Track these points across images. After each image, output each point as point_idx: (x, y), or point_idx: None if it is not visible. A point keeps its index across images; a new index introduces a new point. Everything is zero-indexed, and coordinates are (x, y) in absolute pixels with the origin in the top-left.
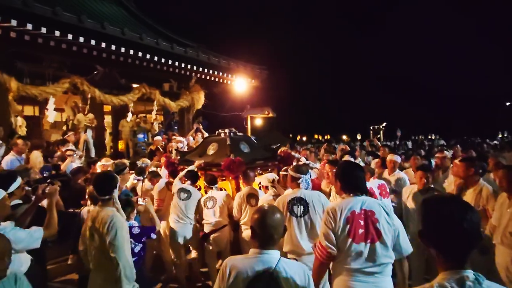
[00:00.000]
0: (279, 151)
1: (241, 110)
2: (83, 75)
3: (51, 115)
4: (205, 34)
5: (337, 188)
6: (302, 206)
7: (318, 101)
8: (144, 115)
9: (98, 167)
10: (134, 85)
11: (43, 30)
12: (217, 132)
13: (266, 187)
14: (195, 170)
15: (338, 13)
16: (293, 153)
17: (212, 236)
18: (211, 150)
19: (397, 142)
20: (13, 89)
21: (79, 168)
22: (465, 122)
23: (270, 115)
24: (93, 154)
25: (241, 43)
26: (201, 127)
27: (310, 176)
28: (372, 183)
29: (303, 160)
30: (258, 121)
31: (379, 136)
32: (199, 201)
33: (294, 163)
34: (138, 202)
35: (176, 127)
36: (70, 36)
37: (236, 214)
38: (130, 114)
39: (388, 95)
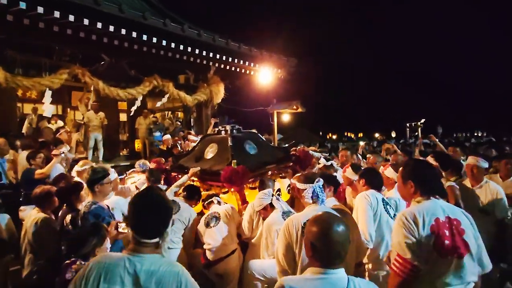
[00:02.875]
0: (297, 150)
1: (266, 104)
2: (86, 66)
3: (47, 110)
4: (225, 30)
5: (407, 191)
6: None
7: (346, 97)
8: (166, 112)
9: (74, 173)
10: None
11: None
12: (216, 129)
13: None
14: (193, 183)
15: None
16: (311, 151)
17: (217, 266)
18: (210, 153)
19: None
20: (0, 80)
21: (62, 175)
22: (481, 117)
23: (299, 110)
24: (101, 155)
25: (258, 36)
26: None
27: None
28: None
29: (322, 161)
30: (286, 117)
31: (416, 133)
32: (194, 220)
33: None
34: (118, 230)
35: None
36: (57, 14)
37: (246, 231)
38: (134, 107)
39: (421, 92)
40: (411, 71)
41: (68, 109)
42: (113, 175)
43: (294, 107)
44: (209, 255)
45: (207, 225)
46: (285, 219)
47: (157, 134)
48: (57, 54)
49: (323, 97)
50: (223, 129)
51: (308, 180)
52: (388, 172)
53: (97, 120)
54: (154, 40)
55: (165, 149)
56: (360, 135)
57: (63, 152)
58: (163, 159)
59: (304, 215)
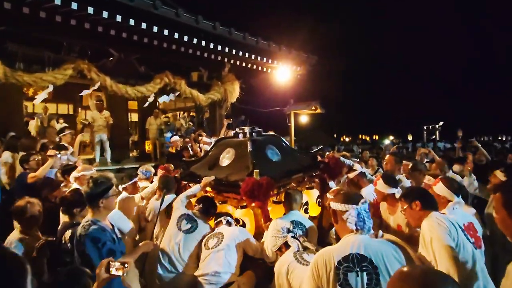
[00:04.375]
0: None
1: (283, 105)
2: (93, 62)
3: (38, 99)
4: (232, 24)
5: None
6: (366, 274)
7: (360, 98)
8: (179, 112)
9: (72, 179)
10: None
11: None
12: (232, 132)
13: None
14: (208, 195)
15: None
16: (342, 158)
17: None
18: (226, 159)
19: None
20: None
21: (47, 180)
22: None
23: (319, 111)
24: (109, 157)
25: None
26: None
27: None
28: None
29: (357, 167)
30: (304, 119)
31: (434, 137)
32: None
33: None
34: (111, 271)
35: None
36: (58, 1)
37: (270, 253)
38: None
39: (436, 93)
40: (426, 72)
41: (79, 108)
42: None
43: (313, 108)
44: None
45: (206, 245)
46: (297, 258)
47: (169, 135)
48: (65, 50)
49: (337, 98)
50: (241, 131)
51: (351, 199)
52: (439, 188)
53: (102, 120)
54: (166, 32)
55: (174, 151)
56: (376, 137)
57: (59, 153)
58: (172, 166)
59: (339, 249)
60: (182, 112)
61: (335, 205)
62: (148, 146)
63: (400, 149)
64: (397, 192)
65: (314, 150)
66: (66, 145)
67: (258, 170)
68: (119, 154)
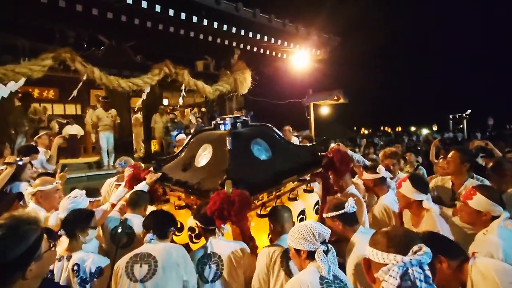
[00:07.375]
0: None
1: (301, 96)
2: (80, 51)
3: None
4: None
5: None
6: None
7: (380, 85)
8: (189, 109)
9: (28, 197)
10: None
11: None
12: (213, 122)
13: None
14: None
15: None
16: (349, 151)
17: None
18: (202, 158)
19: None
20: None
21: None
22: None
23: (342, 101)
24: (112, 160)
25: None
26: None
27: None
28: None
29: (381, 170)
30: (325, 110)
31: (462, 126)
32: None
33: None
34: None
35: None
36: None
37: None
38: (139, 102)
39: (463, 79)
40: (452, 58)
41: (89, 109)
42: (84, 198)
43: (335, 98)
44: None
45: (202, 277)
46: (323, 286)
47: (175, 133)
48: (59, 39)
49: (358, 86)
50: (222, 121)
51: (395, 243)
52: (478, 202)
53: (108, 119)
54: (158, 8)
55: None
56: (399, 129)
57: (20, 159)
58: (142, 164)
59: None
60: (191, 108)
61: (369, 252)
62: (154, 146)
63: (444, 141)
64: (426, 199)
65: (315, 143)
66: (42, 148)
67: (230, 180)
68: (123, 156)
